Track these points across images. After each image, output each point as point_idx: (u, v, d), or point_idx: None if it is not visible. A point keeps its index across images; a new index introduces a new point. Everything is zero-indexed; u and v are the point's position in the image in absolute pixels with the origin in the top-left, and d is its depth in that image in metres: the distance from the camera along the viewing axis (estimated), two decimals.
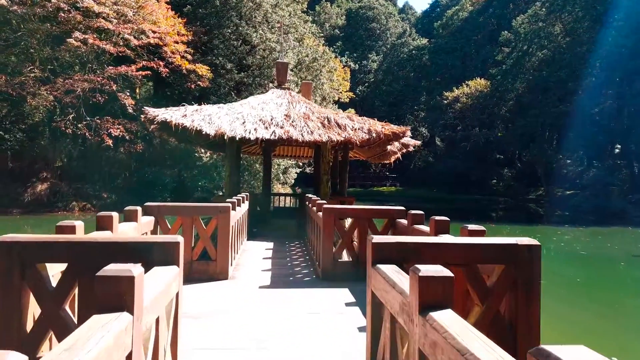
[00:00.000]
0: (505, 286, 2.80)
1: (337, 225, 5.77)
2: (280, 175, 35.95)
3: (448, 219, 5.01)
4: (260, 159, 24.10)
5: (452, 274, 1.86)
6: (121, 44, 24.38)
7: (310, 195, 9.01)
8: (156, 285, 2.23)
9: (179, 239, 2.69)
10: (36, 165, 25.29)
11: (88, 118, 24.77)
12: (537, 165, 55.23)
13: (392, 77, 64.15)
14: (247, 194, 9.28)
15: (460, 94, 53.37)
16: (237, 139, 9.48)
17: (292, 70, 28.76)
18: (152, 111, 9.57)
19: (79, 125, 24.46)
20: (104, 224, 3.99)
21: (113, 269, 1.80)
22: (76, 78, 23.86)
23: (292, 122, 10.04)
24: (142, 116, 10.03)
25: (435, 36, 66.78)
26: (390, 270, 2.58)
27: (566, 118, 44.71)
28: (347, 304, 4.66)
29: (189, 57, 27.10)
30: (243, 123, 9.67)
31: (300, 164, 39.69)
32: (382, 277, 2.52)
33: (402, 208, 5.72)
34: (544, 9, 44.93)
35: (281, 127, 9.78)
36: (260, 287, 5.33)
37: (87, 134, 24.73)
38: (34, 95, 23.82)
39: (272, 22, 32.17)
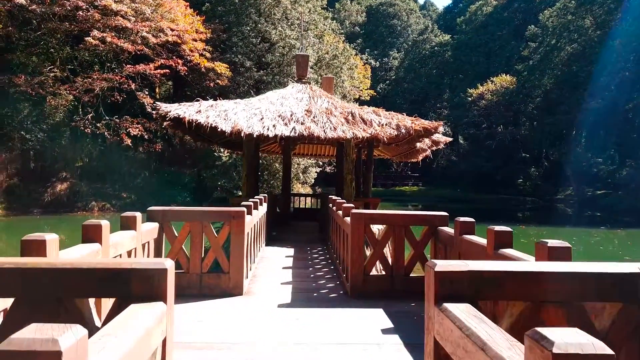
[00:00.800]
0: (624, 334, 1.98)
1: (368, 233, 4.99)
2: (300, 174, 35.29)
3: (473, 220, 4.21)
4: (279, 157, 23.39)
5: (612, 352, 1.07)
6: (139, 42, 24.01)
7: (333, 197, 8.23)
8: (124, 342, 1.48)
9: (167, 264, 1.95)
10: (56, 165, 25.16)
11: (107, 117, 24.53)
12: (565, 164, 53.33)
13: (413, 74, 62.84)
14: (266, 195, 8.58)
15: (485, 90, 51.80)
16: (254, 136, 8.78)
17: (311, 67, 28.00)
18: (164, 107, 8.93)
19: (98, 125, 24.23)
20: (91, 235, 3.29)
21: (25, 337, 1.06)
22: (95, 77, 23.62)
23: (314, 117, 9.31)
24: (154, 112, 9.40)
25: (458, 32, 65.18)
26: (468, 315, 1.79)
27: (597, 115, 42.88)
28: (384, 331, 3.87)
29: (208, 55, 26.63)
30: (261, 119, 8.97)
31: (321, 162, 38.98)
32: (457, 327, 1.73)
33: (445, 214, 4.90)
34: (573, 2, 43.12)
35: (302, 124, 9.05)
36: (280, 306, 4.57)
37: (106, 133, 24.49)
38: (54, 95, 23.67)
39: (292, 18, 31.51)
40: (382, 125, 8.84)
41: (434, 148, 11.39)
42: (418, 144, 10.38)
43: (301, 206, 15.59)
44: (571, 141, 52.32)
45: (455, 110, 54.87)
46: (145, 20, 24.39)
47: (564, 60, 42.36)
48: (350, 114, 9.32)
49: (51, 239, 2.65)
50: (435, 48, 63.59)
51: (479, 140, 53.33)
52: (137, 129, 24.60)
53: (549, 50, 44.31)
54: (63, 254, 2.84)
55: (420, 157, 12.44)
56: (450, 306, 1.91)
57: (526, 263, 2.21)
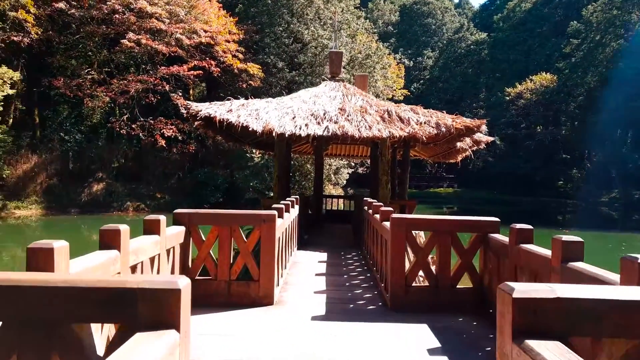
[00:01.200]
0: None
1: (409, 240, 4.55)
2: (332, 175, 34.92)
3: (531, 227, 3.73)
4: (311, 158, 23.07)
5: None
6: (173, 43, 24.24)
7: (368, 199, 7.80)
8: None
9: (181, 283, 1.60)
10: (93, 166, 25.71)
11: (142, 118, 24.86)
12: (609, 165, 50.91)
13: (449, 73, 61.48)
14: (297, 196, 8.23)
15: (524, 89, 50.04)
16: (286, 135, 8.45)
17: (344, 67, 27.60)
18: (195, 106, 8.72)
19: (133, 126, 24.58)
20: (108, 240, 3.00)
21: None
22: (130, 79, 23.98)
23: (348, 116, 8.78)
24: (184, 111, 9.23)
25: (494, 30, 63.38)
26: (561, 358, 1.37)
27: None
28: (431, 351, 3.43)
29: (241, 56, 26.64)
30: (293, 118, 8.62)
31: (353, 163, 38.49)
32: None
33: (497, 219, 4.41)
34: None
35: (335, 122, 8.56)
36: (313, 318, 4.20)
37: (140, 134, 24.83)
38: (91, 97, 24.15)
39: (324, 18, 31.20)
40: (421, 123, 8.33)
41: (474, 148, 10.74)
42: (458, 144, 9.79)
43: (333, 208, 15.17)
44: (616, 141, 49.95)
45: (492, 110, 53.24)
46: (179, 22, 24.61)
47: (609, 56, 40.41)
48: (386, 112, 8.84)
49: (60, 246, 2.36)
50: (471, 47, 62.00)
51: (517, 140, 51.57)
52: (171, 130, 24.84)
53: (593, 46, 42.40)
54: (75, 263, 2.56)
55: (459, 158, 11.81)
56: (536, 345, 1.48)
57: (633, 289, 1.74)
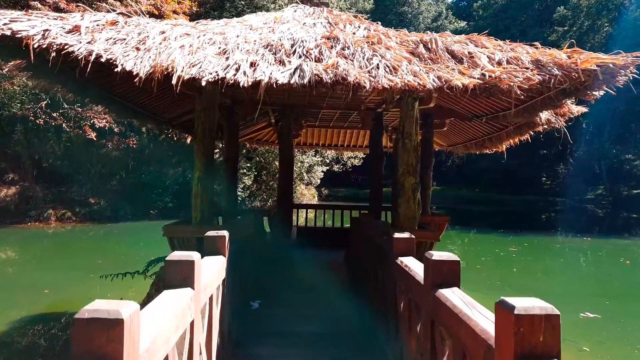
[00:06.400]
0: None
1: None
2: (304, 174, 30.62)
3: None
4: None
5: None
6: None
7: (399, 236, 3.24)
8: None
9: None
10: (2, 165, 20.44)
11: (66, 106, 19.83)
12: (593, 161, 48.47)
13: None
14: (226, 233, 3.48)
15: None
16: (205, 85, 3.92)
17: None
18: None
19: (54, 115, 19.55)
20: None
21: None
22: None
23: (343, 49, 4.39)
24: None
25: (474, 18, 60.32)
26: None
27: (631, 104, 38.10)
28: None
29: None
30: (223, 52, 4.18)
31: (327, 160, 34.15)
32: None
33: None
34: None
35: (317, 60, 4.16)
36: None
37: (64, 125, 19.83)
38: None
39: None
40: (502, 63, 4.05)
41: (553, 125, 6.21)
42: (544, 114, 5.36)
43: (309, 224, 10.48)
44: (597, 135, 47.46)
45: None
46: None
47: (601, 42, 37.46)
48: (421, 44, 4.49)
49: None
50: None
51: None
52: (104, 121, 19.94)
53: (583, 32, 39.38)
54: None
55: (504, 146, 7.39)
56: None
57: None
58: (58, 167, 22.83)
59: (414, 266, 2.71)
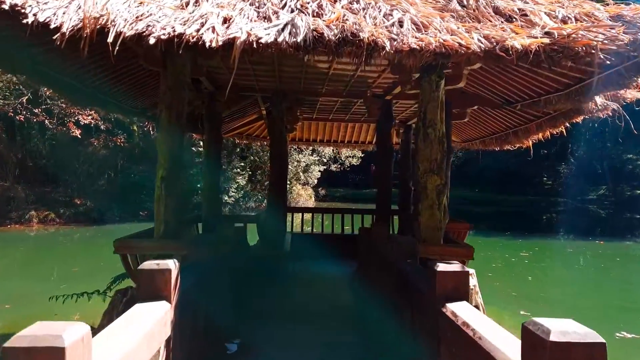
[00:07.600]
0: None
1: None
2: (301, 174, 29.55)
3: None
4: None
5: None
6: None
7: (441, 268, 2.18)
8: None
9: None
10: None
11: (48, 101, 18.74)
12: (595, 160, 47.65)
13: None
14: (175, 261, 2.41)
15: None
16: (159, 44, 2.77)
17: None
18: None
19: (35, 111, 18.46)
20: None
21: None
22: None
23: (350, 3, 3.25)
24: None
25: None
26: None
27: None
28: None
29: None
30: (187, 5, 3.03)
31: (325, 160, 33.09)
32: None
33: None
34: None
35: (316, 15, 3.03)
36: None
37: (46, 121, 18.75)
38: None
39: None
40: (567, 21, 3.05)
41: (599, 113, 5.14)
42: (598, 98, 4.37)
43: (306, 230, 9.36)
44: (599, 134, 46.65)
45: None
46: None
47: None
48: (454, 0, 3.46)
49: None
50: None
51: None
52: (90, 117, 18.89)
53: None
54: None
55: (530, 141, 6.37)
56: None
57: None
58: (43, 166, 21.75)
59: (484, 330, 1.64)
